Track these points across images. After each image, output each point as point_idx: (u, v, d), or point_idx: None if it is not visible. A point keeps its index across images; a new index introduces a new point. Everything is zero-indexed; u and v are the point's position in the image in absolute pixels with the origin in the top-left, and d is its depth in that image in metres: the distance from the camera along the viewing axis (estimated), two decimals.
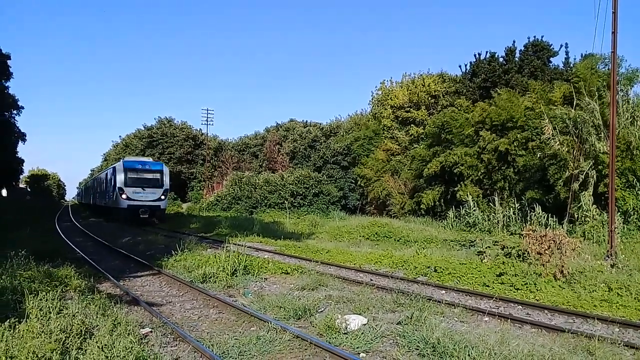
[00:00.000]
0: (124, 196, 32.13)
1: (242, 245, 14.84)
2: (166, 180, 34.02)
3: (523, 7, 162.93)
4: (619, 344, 6.97)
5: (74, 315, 7.05)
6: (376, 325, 7.76)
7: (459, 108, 31.28)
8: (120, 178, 32.52)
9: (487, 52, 35.14)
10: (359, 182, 42.29)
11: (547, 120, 21.32)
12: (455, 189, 28.85)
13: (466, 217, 26.23)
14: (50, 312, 6.95)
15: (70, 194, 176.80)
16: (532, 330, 8.06)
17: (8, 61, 44.77)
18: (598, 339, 6.88)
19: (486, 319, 8.59)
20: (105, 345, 5.96)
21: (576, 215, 19.62)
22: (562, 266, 11.40)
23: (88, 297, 8.62)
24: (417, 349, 6.71)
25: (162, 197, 33.39)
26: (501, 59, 34.74)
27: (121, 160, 35.69)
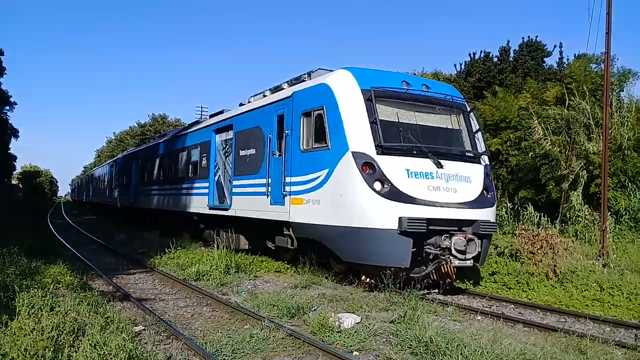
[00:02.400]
0: (383, 189, 9.73)
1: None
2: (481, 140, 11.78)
3: (518, 7, 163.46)
4: (610, 343, 7.01)
5: (66, 313, 7.01)
6: (369, 324, 7.77)
7: None
8: (356, 125, 10.16)
9: (481, 51, 35.20)
10: None
11: (536, 122, 21.41)
12: None
13: None
14: (42, 310, 6.92)
15: (63, 191, 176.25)
16: (525, 329, 8.10)
17: (1, 57, 44.40)
18: (590, 338, 6.92)
19: (479, 317, 8.62)
20: (98, 342, 5.94)
21: (568, 215, 19.70)
22: (555, 265, 11.45)
23: (80, 294, 8.58)
24: (410, 347, 6.73)
25: (487, 193, 10.78)
26: (495, 59, 34.83)
27: (344, 71, 11.10)
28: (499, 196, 25.91)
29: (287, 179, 11.77)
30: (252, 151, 13.85)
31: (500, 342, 6.54)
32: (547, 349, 6.60)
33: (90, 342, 5.92)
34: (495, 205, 11.20)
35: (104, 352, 5.67)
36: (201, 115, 63.57)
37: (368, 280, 10.66)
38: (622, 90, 22.33)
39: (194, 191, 18.31)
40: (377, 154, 9.81)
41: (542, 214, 20.20)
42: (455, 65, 37.78)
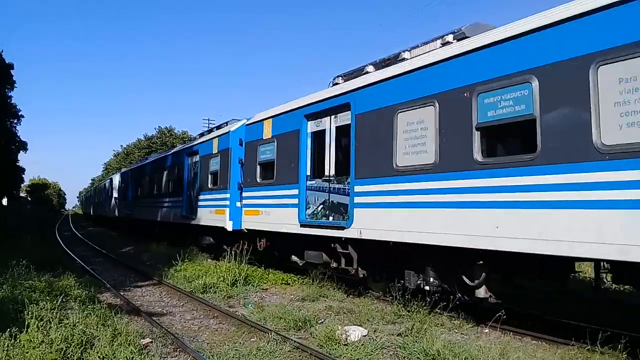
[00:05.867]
0: None
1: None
2: None
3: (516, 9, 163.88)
4: (619, 357, 6.94)
5: (74, 325, 7.05)
6: (376, 337, 7.76)
7: None
8: None
9: None
10: None
11: None
12: None
13: None
14: (50, 322, 6.96)
15: (71, 204, 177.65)
16: (533, 342, 8.04)
17: (11, 71, 44.90)
18: (600, 352, 6.86)
19: (486, 330, 8.57)
20: (106, 355, 5.98)
21: None
22: None
23: (88, 307, 8.62)
24: None
25: None
26: None
27: None
28: None
29: None
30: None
31: (508, 355, 6.51)
32: None
33: (98, 355, 5.95)
34: None
35: None
36: (208, 126, 64.09)
37: None
38: None
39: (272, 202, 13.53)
40: None
41: None
42: None
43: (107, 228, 44.48)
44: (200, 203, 18.27)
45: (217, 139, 17.49)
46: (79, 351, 6.18)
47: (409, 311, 8.99)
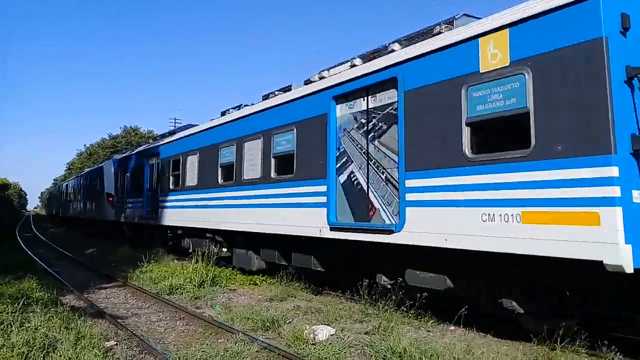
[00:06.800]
0: None
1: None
2: None
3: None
4: (580, 352, 7.14)
5: (36, 329, 6.92)
6: (344, 336, 7.81)
7: None
8: None
9: None
10: None
11: None
12: None
13: None
14: (11, 326, 6.80)
15: (32, 204, 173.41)
16: (496, 339, 8.20)
17: None
18: (560, 348, 7.05)
19: (452, 327, 8.71)
20: (70, 358, 5.87)
21: None
22: None
23: (51, 309, 8.44)
24: (384, 359, 6.78)
25: None
26: None
27: None
28: None
29: None
30: None
31: (473, 351, 6.64)
32: (518, 358, 6.72)
33: (61, 358, 5.85)
34: None
35: None
36: (175, 126, 63.36)
37: None
38: None
39: None
40: None
41: None
42: None
43: (69, 229, 43.52)
44: (434, 197, 7.74)
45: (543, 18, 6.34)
46: (41, 355, 6.06)
47: (376, 310, 9.07)
